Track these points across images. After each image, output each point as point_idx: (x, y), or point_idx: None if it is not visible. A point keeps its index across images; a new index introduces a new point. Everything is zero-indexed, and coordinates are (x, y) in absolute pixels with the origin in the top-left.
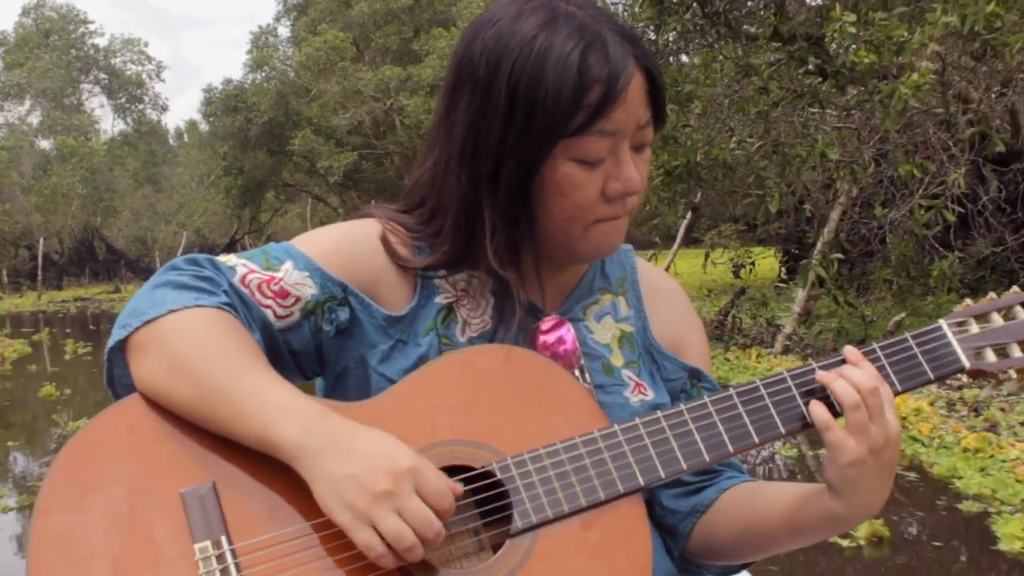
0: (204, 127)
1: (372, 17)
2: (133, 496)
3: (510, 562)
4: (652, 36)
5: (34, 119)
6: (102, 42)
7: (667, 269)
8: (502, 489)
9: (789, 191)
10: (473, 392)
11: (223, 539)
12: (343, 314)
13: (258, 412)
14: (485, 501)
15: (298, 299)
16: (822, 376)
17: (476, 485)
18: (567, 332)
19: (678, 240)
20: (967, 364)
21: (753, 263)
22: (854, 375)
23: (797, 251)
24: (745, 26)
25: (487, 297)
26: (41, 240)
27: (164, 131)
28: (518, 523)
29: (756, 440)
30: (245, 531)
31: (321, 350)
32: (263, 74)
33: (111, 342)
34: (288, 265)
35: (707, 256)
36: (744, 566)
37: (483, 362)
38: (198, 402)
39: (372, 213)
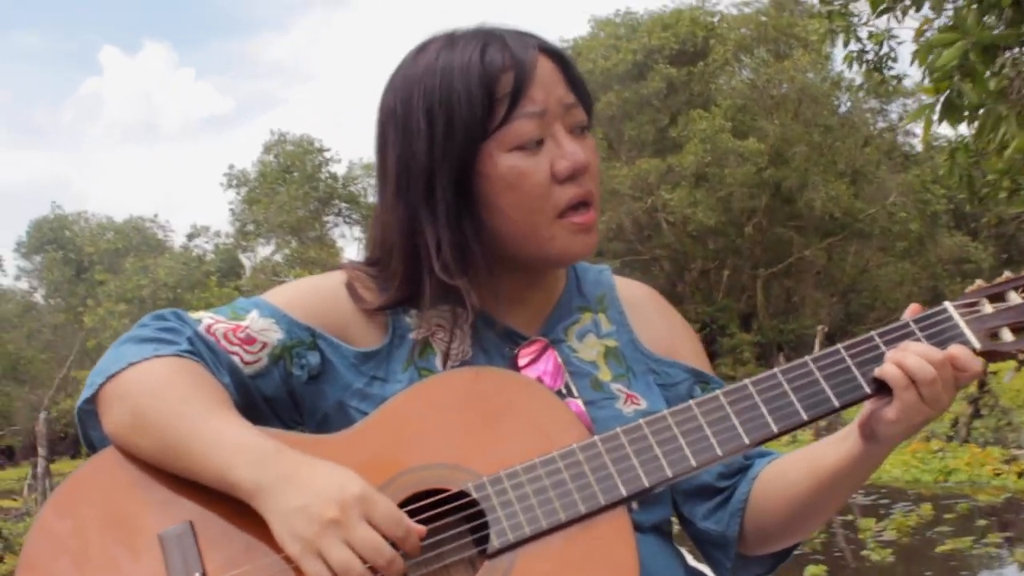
0: None
1: (622, 108)
2: (115, 543)
3: None
4: None
5: (280, 256)
6: (340, 169)
7: None
8: (478, 508)
9: None
10: (445, 415)
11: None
12: (313, 358)
13: (214, 455)
14: (466, 523)
15: (265, 344)
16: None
17: (453, 506)
18: (543, 367)
19: None
20: (977, 345)
21: None
22: (920, 349)
23: None
24: None
25: (463, 329)
26: None
27: None
28: (495, 542)
29: (746, 441)
30: (222, 568)
31: (295, 396)
32: None
33: (79, 402)
34: (254, 314)
35: None
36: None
37: (453, 385)
38: (161, 453)
39: (339, 265)
